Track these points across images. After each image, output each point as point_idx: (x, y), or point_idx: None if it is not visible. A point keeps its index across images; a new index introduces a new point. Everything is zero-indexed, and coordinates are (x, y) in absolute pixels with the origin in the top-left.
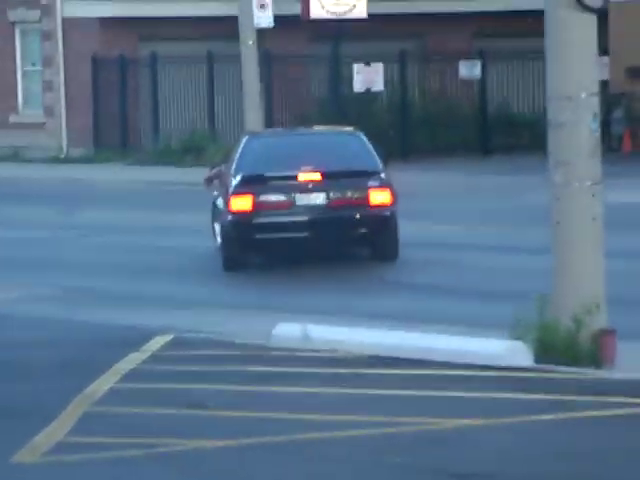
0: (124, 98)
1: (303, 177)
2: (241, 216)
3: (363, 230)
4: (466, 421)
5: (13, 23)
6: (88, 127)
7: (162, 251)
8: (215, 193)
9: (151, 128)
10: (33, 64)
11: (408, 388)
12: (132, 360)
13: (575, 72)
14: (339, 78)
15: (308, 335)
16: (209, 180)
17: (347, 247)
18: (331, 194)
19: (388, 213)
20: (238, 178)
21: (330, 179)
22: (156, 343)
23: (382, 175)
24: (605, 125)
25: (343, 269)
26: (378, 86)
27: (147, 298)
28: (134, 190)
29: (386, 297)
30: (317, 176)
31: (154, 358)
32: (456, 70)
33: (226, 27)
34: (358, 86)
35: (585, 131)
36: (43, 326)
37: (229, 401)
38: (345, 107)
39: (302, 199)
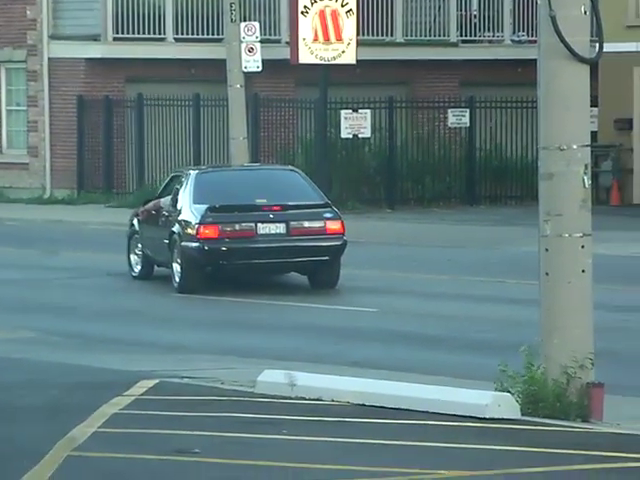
0: (109, 139)
1: (264, 208)
2: (207, 243)
3: (321, 258)
4: (450, 473)
5: None
6: (72, 168)
7: (141, 294)
8: (135, 226)
9: (136, 170)
10: (18, 104)
11: (392, 438)
12: (116, 404)
13: (567, 123)
14: (326, 123)
15: (294, 382)
16: (144, 212)
17: (304, 273)
18: (291, 224)
19: (342, 242)
20: (202, 208)
21: (289, 210)
22: (140, 387)
23: (333, 207)
24: (593, 177)
25: (321, 313)
26: (365, 133)
27: (130, 341)
28: (114, 233)
29: (372, 345)
30: (277, 207)
31: (138, 402)
32: (444, 118)
33: (214, 70)
34: (345, 132)
35: (576, 182)
36: (23, 369)
37: (215, 447)
38: (332, 152)
39: (264, 228)
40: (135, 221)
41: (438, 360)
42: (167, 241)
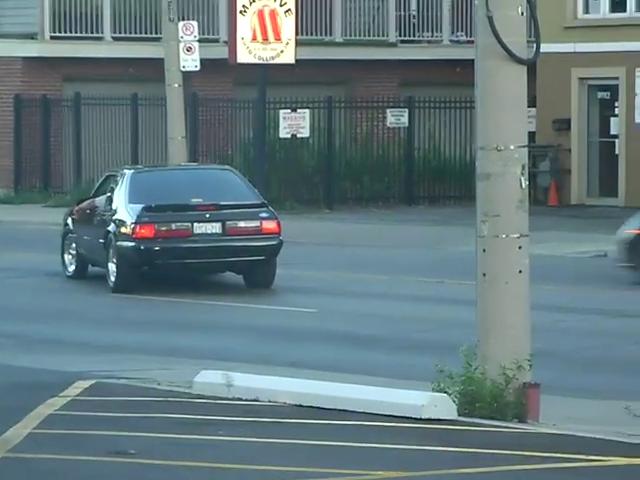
0: (47, 139)
1: (200, 207)
2: (143, 243)
3: (257, 257)
4: (387, 473)
5: None
6: (9, 167)
7: (77, 294)
8: (70, 226)
9: (74, 170)
10: None
11: (329, 439)
12: (52, 405)
13: (504, 123)
14: (265, 123)
15: (231, 383)
16: (79, 212)
17: (240, 273)
18: (227, 223)
19: (278, 242)
20: (138, 208)
21: (225, 210)
22: (76, 388)
23: (269, 207)
24: (531, 177)
25: (259, 313)
26: (304, 132)
27: (67, 342)
28: (51, 232)
29: (310, 346)
30: (213, 207)
31: (75, 403)
32: (383, 118)
33: (152, 69)
34: (284, 132)
35: (513, 183)
36: None
37: (151, 448)
38: (270, 152)
39: (200, 228)
40: (69, 220)
41: (377, 360)
42: (102, 241)
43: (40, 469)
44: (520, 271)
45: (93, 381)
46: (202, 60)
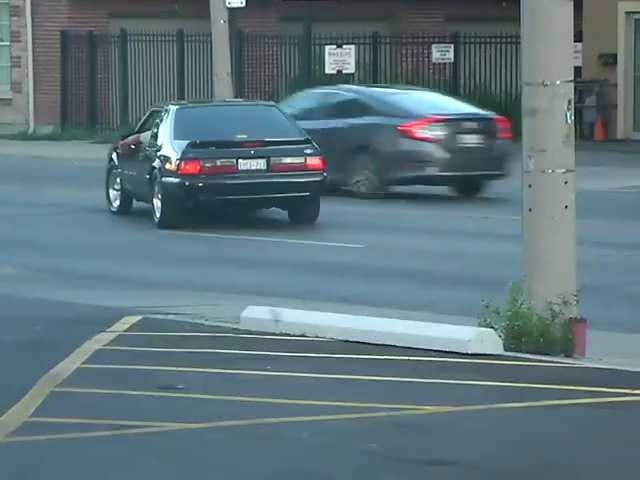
0: (93, 75)
1: (245, 144)
2: (188, 179)
3: (302, 193)
4: (433, 408)
5: None
6: (56, 104)
7: (122, 229)
8: (115, 161)
9: (120, 106)
10: (1, 39)
11: (376, 374)
12: (99, 340)
13: (551, 58)
14: (310, 59)
15: (278, 318)
16: (123, 147)
17: (284, 208)
18: (272, 160)
19: (322, 178)
20: (183, 144)
21: (269, 146)
22: (124, 324)
23: (314, 143)
24: (577, 112)
25: (306, 249)
26: (349, 68)
27: (114, 278)
28: (97, 169)
29: (356, 282)
30: (258, 143)
31: (122, 339)
32: (429, 53)
33: (198, 5)
34: (330, 68)
35: (559, 118)
36: (7, 304)
37: (198, 383)
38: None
39: (245, 164)
40: (114, 156)
41: (423, 296)
42: (148, 176)
43: (88, 403)
44: (566, 206)
45: (140, 317)
46: None
